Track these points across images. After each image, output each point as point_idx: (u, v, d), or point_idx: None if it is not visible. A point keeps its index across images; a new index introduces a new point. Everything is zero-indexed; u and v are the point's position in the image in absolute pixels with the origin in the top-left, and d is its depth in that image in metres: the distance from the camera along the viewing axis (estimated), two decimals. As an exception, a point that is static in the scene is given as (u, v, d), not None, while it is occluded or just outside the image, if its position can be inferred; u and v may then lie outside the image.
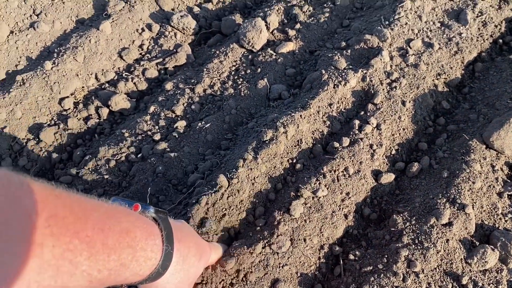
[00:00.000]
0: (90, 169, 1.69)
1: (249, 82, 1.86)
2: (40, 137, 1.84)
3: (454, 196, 1.45)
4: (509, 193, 1.49)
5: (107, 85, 2.03)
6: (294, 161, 1.59)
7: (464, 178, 1.49)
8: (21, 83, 1.95)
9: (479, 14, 1.98)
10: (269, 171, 1.56)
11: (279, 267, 1.36)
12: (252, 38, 1.94)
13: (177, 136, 1.73)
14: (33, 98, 1.93)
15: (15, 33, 2.14)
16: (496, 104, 1.67)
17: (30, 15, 2.20)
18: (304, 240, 1.41)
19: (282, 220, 1.43)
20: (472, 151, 1.55)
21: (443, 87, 1.79)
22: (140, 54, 2.13)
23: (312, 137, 1.64)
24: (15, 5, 2.20)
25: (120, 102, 1.92)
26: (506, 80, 1.76)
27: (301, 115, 1.62)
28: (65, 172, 1.72)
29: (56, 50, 2.07)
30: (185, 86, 1.89)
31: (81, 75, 2.02)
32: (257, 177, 1.54)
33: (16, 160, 1.81)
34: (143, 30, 2.16)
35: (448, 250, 1.37)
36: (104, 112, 1.93)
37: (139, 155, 1.70)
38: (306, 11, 2.12)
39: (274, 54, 1.94)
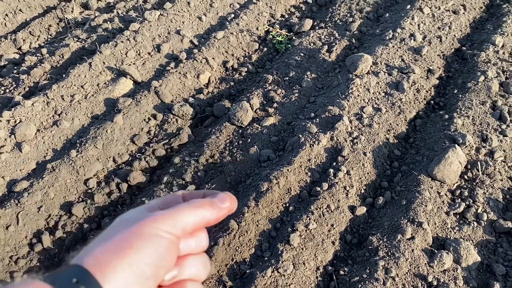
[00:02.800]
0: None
1: (242, 150, 2.33)
2: (72, 212, 2.20)
3: (413, 217, 1.89)
4: (454, 212, 1.94)
5: (123, 165, 2.45)
6: (287, 205, 2.02)
7: (418, 203, 1.94)
8: (52, 170, 2.34)
9: (413, 83, 2.57)
10: (269, 215, 1.97)
11: (287, 286, 1.73)
12: (241, 116, 2.45)
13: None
14: (63, 181, 2.31)
15: (41, 131, 2.57)
16: (434, 147, 2.19)
17: (53, 115, 2.65)
18: (303, 263, 1.80)
19: (284, 249, 1.82)
20: (421, 183, 2.03)
21: (393, 140, 2.31)
22: (149, 138, 2.59)
23: (298, 185, 2.08)
24: (39, 108, 2.65)
25: (137, 177, 2.33)
26: (439, 129, 2.30)
27: (288, 169, 2.08)
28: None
29: (78, 141, 2.50)
30: (190, 158, 2.34)
31: (101, 159, 2.44)
32: (259, 220, 1.94)
33: (53, 233, 2.15)
34: (149, 119, 2.64)
35: (414, 257, 1.78)
36: (124, 186, 2.32)
37: (160, 216, 2.08)
38: (280, 93, 2.67)
39: (260, 127, 2.43)
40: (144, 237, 0.52)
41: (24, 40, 3.35)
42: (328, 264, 1.84)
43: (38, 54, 3.17)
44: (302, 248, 1.83)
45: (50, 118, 2.65)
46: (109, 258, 0.50)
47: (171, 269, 0.56)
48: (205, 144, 2.40)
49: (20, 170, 2.39)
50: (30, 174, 2.39)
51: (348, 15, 3.28)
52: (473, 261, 1.78)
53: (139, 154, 2.50)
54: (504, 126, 2.27)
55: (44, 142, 2.53)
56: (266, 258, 1.82)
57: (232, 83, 2.95)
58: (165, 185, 2.23)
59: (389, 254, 1.79)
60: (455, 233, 1.89)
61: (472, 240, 1.86)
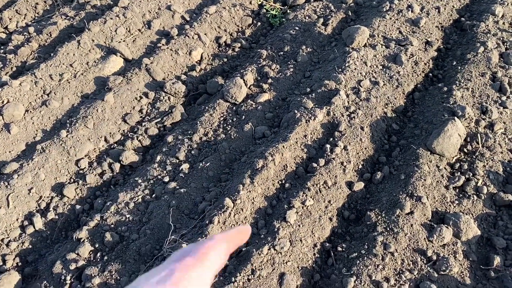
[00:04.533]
0: (113, 212, 2.01)
1: (237, 127, 2.27)
2: (64, 193, 2.15)
3: (412, 192, 1.85)
4: (453, 185, 1.91)
5: (115, 145, 2.39)
6: (283, 182, 1.97)
7: (417, 177, 1.90)
8: (41, 151, 2.28)
9: (411, 56, 2.51)
10: (265, 192, 1.93)
11: (284, 263, 1.69)
12: (235, 93, 2.38)
13: (183, 176, 2.09)
14: (53, 162, 2.25)
15: (30, 111, 2.50)
16: (433, 120, 2.14)
17: (41, 95, 2.58)
18: (300, 240, 1.76)
19: (280, 226, 1.78)
20: (420, 157, 1.98)
21: (391, 114, 2.25)
22: (141, 117, 2.52)
23: (294, 162, 2.04)
24: (27, 88, 2.58)
25: (130, 156, 2.27)
26: (438, 102, 2.24)
27: (283, 146, 2.03)
28: (91, 218, 2.02)
29: (68, 121, 2.44)
30: (183, 137, 2.28)
31: (92, 139, 2.38)
32: (255, 197, 1.90)
33: (45, 215, 2.10)
34: (141, 97, 2.57)
35: (413, 232, 1.74)
36: (116, 166, 2.27)
37: (153, 195, 2.04)
38: (274, 68, 2.60)
39: (254, 103, 2.37)
40: None
41: (10, 19, 3.24)
42: (325, 241, 1.81)
43: (25, 33, 3.06)
44: (299, 225, 1.79)
45: (39, 98, 2.57)
46: None
47: None
48: (198, 122, 2.34)
49: (9, 152, 2.33)
50: (19, 156, 2.33)
51: (344, -13, 3.18)
52: (473, 235, 1.75)
53: (131, 133, 2.44)
54: (504, 98, 2.22)
55: (33, 123, 2.47)
56: (262, 235, 1.78)
57: (225, 59, 2.88)
58: (158, 164, 2.18)
59: (388, 229, 1.75)
60: (454, 207, 1.85)
61: (472, 214, 1.83)
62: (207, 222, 1.81)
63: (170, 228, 1.87)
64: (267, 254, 1.70)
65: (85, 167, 2.30)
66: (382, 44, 2.56)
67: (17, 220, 2.08)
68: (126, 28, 2.98)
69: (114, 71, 2.78)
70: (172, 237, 1.77)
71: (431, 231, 1.75)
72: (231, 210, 1.84)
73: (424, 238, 1.73)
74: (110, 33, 2.93)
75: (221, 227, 1.79)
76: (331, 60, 2.55)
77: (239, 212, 1.84)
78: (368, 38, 2.57)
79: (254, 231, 1.83)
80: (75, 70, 2.72)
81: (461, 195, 1.88)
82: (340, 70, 2.40)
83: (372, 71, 2.42)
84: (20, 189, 2.13)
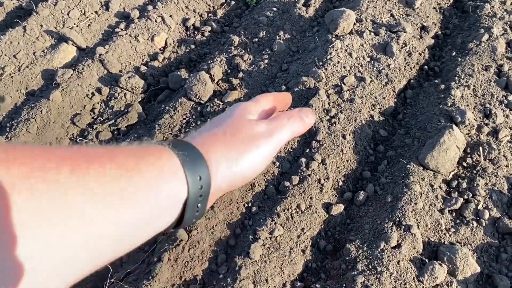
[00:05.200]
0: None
1: (200, 134, 1.95)
2: None
3: (400, 219, 1.56)
4: (449, 209, 1.61)
5: (62, 152, 2.07)
6: (250, 204, 1.67)
7: (407, 200, 1.60)
8: (-25, 162, 1.96)
9: (404, 45, 2.16)
10: (227, 218, 1.63)
11: (245, 311, 1.42)
12: (199, 91, 2.04)
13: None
14: (-11, 175, 1.94)
15: (-35, 112, 2.17)
16: (427, 127, 1.82)
17: (-21, 93, 2.24)
18: (266, 280, 1.48)
19: (243, 264, 1.49)
20: (411, 174, 1.67)
21: (379, 117, 1.93)
22: (93, 118, 2.19)
23: (264, 179, 1.73)
24: (-37, 85, 2.23)
25: (76, 168, 1.96)
26: (433, 103, 1.92)
27: (250, 160, 1.71)
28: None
29: (8, 125, 2.11)
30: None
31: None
32: (215, 225, 1.60)
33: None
34: (93, 94, 2.23)
35: (400, 271, 1.46)
36: (62, 179, 1.96)
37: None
38: (247, 59, 2.25)
39: (222, 103, 2.04)
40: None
41: (-50, -1, 2.85)
42: (296, 279, 1.52)
43: (-34, 16, 2.69)
44: (265, 261, 1.51)
45: (-24, 96, 2.23)
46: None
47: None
48: (156, 126, 2.01)
49: None
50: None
51: (330, -41, 2.78)
52: (472, 272, 1.47)
53: (81, 139, 2.11)
54: (511, 97, 1.89)
55: (-32, 126, 2.14)
56: (221, 275, 1.50)
57: (192, 46, 2.52)
58: (108, 179, 1.87)
59: (370, 267, 1.47)
60: (450, 235, 1.56)
61: (471, 245, 1.54)
62: (155, 259, 1.52)
63: (115, 263, 1.58)
64: (225, 301, 1.42)
65: (26, 180, 1.98)
66: (371, 31, 2.20)
67: None
68: (81, 11, 2.60)
69: (66, 62, 2.43)
70: (112, 280, 1.48)
71: (422, 268, 1.47)
72: (185, 243, 1.54)
73: (413, 278, 1.45)
74: (62, 17, 2.56)
75: (172, 266, 1.50)
76: (311, 50, 2.20)
77: (195, 246, 1.55)
78: (354, 23, 2.21)
79: (213, 268, 1.54)
80: (19, 62, 2.36)
81: (458, 221, 1.59)
82: (320, 63, 2.06)
83: (358, 64, 2.07)
84: None
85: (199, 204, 0.53)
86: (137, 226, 0.47)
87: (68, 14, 2.56)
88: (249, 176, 0.61)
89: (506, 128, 1.80)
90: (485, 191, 1.64)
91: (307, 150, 1.78)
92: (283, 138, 0.65)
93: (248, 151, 0.59)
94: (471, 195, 1.63)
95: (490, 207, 1.61)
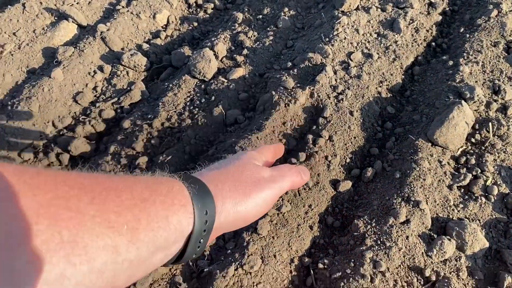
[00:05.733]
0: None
1: (205, 111, 1.93)
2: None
3: (408, 195, 1.55)
4: (457, 185, 1.60)
5: (65, 130, 2.05)
6: (256, 181, 1.65)
7: (415, 176, 1.59)
8: (-23, 140, 1.94)
9: (411, 21, 2.12)
10: (233, 195, 1.62)
11: (254, 286, 1.41)
12: (203, 68, 2.01)
13: (139, 172, 1.76)
14: (-9, 153, 1.92)
15: (-35, 91, 2.14)
16: (436, 103, 1.80)
17: (-21, 71, 2.20)
18: (274, 256, 1.47)
19: (251, 240, 1.48)
20: (419, 150, 1.66)
21: (386, 93, 1.91)
22: (95, 96, 2.16)
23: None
24: (-37, 63, 2.20)
25: (80, 146, 1.94)
26: (442, 80, 1.89)
27: (257, 137, 1.69)
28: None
29: (9, 103, 2.08)
30: (142, 122, 1.93)
31: (38, 124, 2.03)
32: (222, 202, 1.59)
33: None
34: (95, 72, 2.20)
35: (409, 246, 1.45)
36: (65, 158, 1.94)
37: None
38: (251, 36, 2.21)
39: (226, 81, 2.01)
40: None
41: None
42: (304, 254, 1.51)
43: (-36, -7, 2.63)
44: (273, 237, 1.50)
45: (-24, 74, 2.20)
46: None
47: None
48: (160, 104, 1.99)
49: None
50: (-50, 146, 1.99)
51: None
52: (480, 247, 1.47)
53: (83, 117, 2.09)
54: (520, 74, 1.87)
55: (-31, 105, 2.11)
56: (229, 251, 1.49)
57: (195, 24, 2.47)
58: (112, 156, 1.85)
59: (379, 242, 1.46)
60: (458, 211, 1.55)
61: (479, 220, 1.53)
62: (163, 235, 1.51)
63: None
64: (233, 275, 1.41)
65: (29, 159, 1.96)
66: (378, 7, 2.16)
67: None
68: (80, -13, 2.55)
69: (66, 40, 2.39)
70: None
71: (430, 244, 1.46)
72: (192, 219, 1.53)
73: (422, 253, 1.44)
74: (61, -7, 2.51)
75: (179, 242, 1.49)
76: (318, 27, 2.17)
77: (202, 222, 1.53)
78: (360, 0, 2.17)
79: (221, 244, 1.54)
80: (19, 40, 2.32)
81: (466, 197, 1.58)
82: (327, 39, 2.03)
83: (365, 40, 2.04)
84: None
85: (201, 240, 0.54)
86: (146, 256, 0.48)
87: (68, -9, 2.51)
88: (251, 218, 0.62)
89: (515, 104, 1.78)
90: (493, 167, 1.63)
91: (314, 127, 1.76)
92: (285, 186, 0.69)
93: (253, 192, 0.62)
94: (479, 171, 1.62)
95: (499, 183, 1.60)
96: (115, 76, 2.19)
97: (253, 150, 0.70)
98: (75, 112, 2.12)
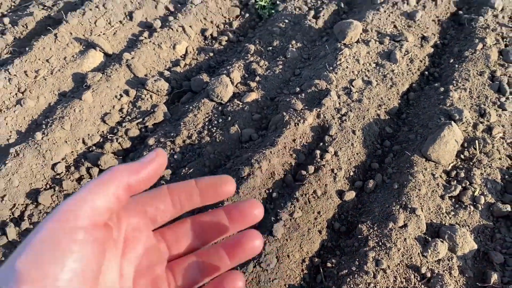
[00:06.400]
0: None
1: (222, 130, 2.15)
2: (39, 200, 2.03)
3: (406, 203, 1.75)
4: (449, 195, 1.81)
5: (94, 147, 2.26)
6: (270, 191, 1.86)
7: (411, 187, 1.80)
8: (15, 154, 2.14)
9: (406, 53, 2.38)
10: (250, 202, 1.82)
11: (270, 281, 1.60)
12: (220, 92, 2.25)
13: (164, 184, 1.97)
14: (28, 167, 2.12)
15: (3, 111, 2.36)
16: (429, 124, 2.03)
17: (16, 93, 2.43)
18: (288, 256, 1.66)
19: (267, 241, 1.67)
20: (415, 164, 1.87)
21: (385, 116, 2.14)
22: (121, 117, 2.39)
23: (282, 169, 1.92)
24: (1, 86, 2.42)
25: (108, 160, 2.14)
26: (434, 104, 2.13)
27: (271, 151, 1.91)
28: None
29: (43, 122, 2.30)
30: (166, 139, 2.15)
31: (70, 141, 2.25)
32: (240, 208, 1.79)
33: (19, 224, 1.98)
34: (121, 95, 2.43)
35: (407, 247, 1.65)
36: (95, 171, 2.15)
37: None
38: (263, 65, 2.47)
39: (241, 103, 2.24)
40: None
41: (-17, 9, 3.06)
42: (314, 255, 1.71)
43: (0, 24, 2.89)
44: (287, 239, 1.69)
45: (13, 96, 2.43)
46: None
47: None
48: (181, 123, 2.21)
49: (-20, 156, 2.20)
50: (-9, 160, 2.19)
51: (337, -24, 3.03)
52: (470, 249, 1.66)
53: (111, 135, 2.30)
54: (503, 99, 2.11)
55: (6, 124, 2.32)
56: (247, 251, 1.68)
57: (211, 54, 2.73)
58: (139, 170, 2.05)
59: (380, 244, 1.66)
60: (450, 218, 1.76)
61: (469, 226, 1.74)
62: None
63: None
64: (252, 272, 1.60)
65: (62, 172, 2.17)
66: (376, 40, 2.43)
67: (-12, 231, 1.96)
68: (107, 20, 2.82)
69: (94, 66, 2.63)
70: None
71: (426, 245, 1.66)
72: (215, 223, 1.73)
73: (418, 253, 1.64)
74: (90, 25, 2.77)
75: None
76: (322, 57, 2.42)
77: (223, 225, 1.73)
78: (361, 33, 2.44)
79: (239, 245, 1.73)
80: (51, 66, 2.56)
81: (457, 206, 1.79)
82: (331, 68, 2.28)
83: (365, 69, 2.29)
84: (-9, 197, 2.00)
85: None
86: None
87: (95, 23, 2.78)
88: None
89: (499, 126, 2.01)
90: (481, 180, 1.84)
91: (321, 144, 1.98)
92: None
93: None
94: (468, 183, 1.83)
95: (485, 193, 1.81)
96: (140, 99, 2.42)
97: None
98: (103, 131, 2.33)
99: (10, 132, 2.31)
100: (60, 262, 0.42)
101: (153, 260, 0.54)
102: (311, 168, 1.87)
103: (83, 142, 2.27)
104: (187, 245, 0.57)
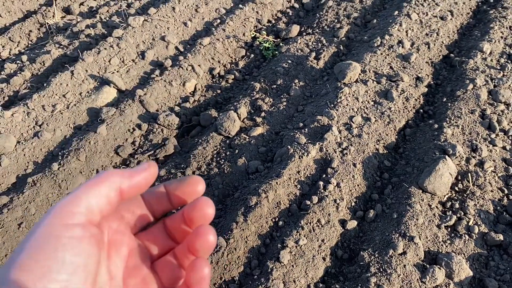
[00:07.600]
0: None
1: (230, 162, 2.28)
2: (54, 228, 2.12)
3: (404, 231, 1.86)
4: (445, 225, 1.92)
5: (107, 178, 2.37)
6: (277, 219, 1.97)
7: (410, 216, 1.91)
8: (32, 184, 2.26)
9: (402, 92, 2.55)
10: (258, 230, 1.92)
11: (277, 305, 1.68)
12: (228, 127, 2.39)
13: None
14: (44, 196, 2.23)
15: (21, 142, 2.49)
16: (424, 158, 2.16)
17: (33, 126, 2.57)
18: (294, 281, 1.75)
19: (274, 267, 1.77)
20: (412, 195, 2.00)
21: (383, 150, 2.28)
22: (134, 149, 2.52)
23: (288, 199, 2.04)
24: (20, 119, 2.56)
25: (122, 190, 2.26)
26: (429, 139, 2.28)
27: (277, 182, 2.03)
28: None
29: (60, 153, 2.42)
30: (176, 171, 2.27)
31: (84, 172, 2.37)
32: (248, 236, 1.89)
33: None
34: (134, 129, 2.57)
35: (406, 273, 1.74)
36: (108, 200, 2.25)
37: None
38: (268, 102, 2.62)
39: (247, 137, 2.38)
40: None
41: (3, 47, 3.24)
42: (319, 281, 1.80)
43: (18, 61, 3.06)
44: (293, 265, 1.79)
45: (31, 129, 2.56)
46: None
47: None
48: (191, 156, 2.34)
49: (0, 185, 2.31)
50: (10, 189, 2.30)
51: (336, 20, 3.25)
52: (466, 276, 1.76)
53: (124, 166, 2.42)
54: (493, 136, 2.26)
55: (24, 155, 2.45)
56: (255, 276, 1.77)
57: (218, 91, 2.90)
58: (151, 199, 2.16)
59: (381, 270, 1.76)
60: (446, 246, 1.86)
61: (464, 254, 1.84)
62: (200, 261, 1.79)
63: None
64: (260, 295, 1.69)
65: (76, 201, 2.27)
66: (373, 80, 2.60)
67: (6, 256, 2.04)
68: (120, 59, 2.99)
69: (108, 102, 2.78)
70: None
71: (424, 272, 1.75)
72: (225, 249, 1.83)
73: (417, 279, 1.73)
74: (104, 63, 2.95)
75: (213, 268, 1.77)
76: (324, 95, 2.59)
77: (232, 252, 1.83)
78: (359, 74, 2.61)
79: (248, 272, 1.82)
80: (68, 101, 2.71)
81: (453, 235, 1.90)
82: (332, 105, 2.43)
83: (364, 107, 2.45)
84: (9, 224, 2.10)
85: None
86: None
87: (109, 61, 2.95)
88: None
89: (490, 160, 2.15)
90: (474, 210, 1.96)
91: (323, 175, 2.11)
92: None
93: None
94: (462, 213, 1.95)
95: (479, 223, 1.92)
96: (151, 132, 2.56)
97: None
98: (116, 162, 2.46)
99: (28, 162, 2.43)
100: (60, 257, 0.43)
101: (139, 260, 0.56)
102: (315, 198, 1.99)
103: (97, 172, 2.39)
104: (163, 245, 0.58)
